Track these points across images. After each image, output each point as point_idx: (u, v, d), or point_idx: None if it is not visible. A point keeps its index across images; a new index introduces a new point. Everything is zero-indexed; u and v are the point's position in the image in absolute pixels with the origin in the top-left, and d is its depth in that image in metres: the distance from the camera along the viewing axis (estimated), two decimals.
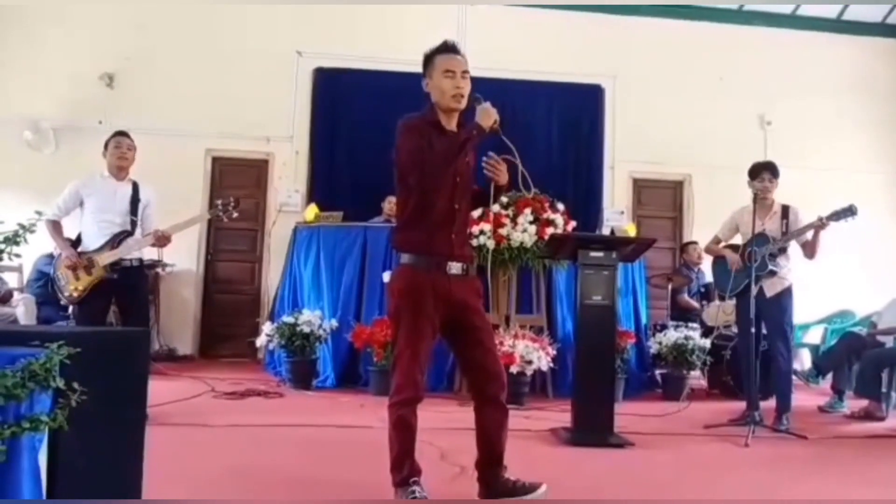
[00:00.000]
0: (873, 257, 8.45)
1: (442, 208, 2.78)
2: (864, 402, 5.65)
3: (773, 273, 4.86)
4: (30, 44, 8.10)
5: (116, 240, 4.51)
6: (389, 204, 7.66)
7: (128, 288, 4.55)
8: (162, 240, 4.56)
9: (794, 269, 4.99)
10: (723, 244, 5.22)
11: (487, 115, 2.79)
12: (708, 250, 5.38)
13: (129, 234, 4.56)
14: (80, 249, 4.52)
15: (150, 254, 6.17)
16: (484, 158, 2.88)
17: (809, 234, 4.83)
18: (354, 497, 2.94)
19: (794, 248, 5.00)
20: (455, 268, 2.79)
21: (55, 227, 4.53)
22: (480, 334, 2.84)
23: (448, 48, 2.92)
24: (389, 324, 2.85)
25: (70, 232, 4.66)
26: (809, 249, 4.87)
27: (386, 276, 2.91)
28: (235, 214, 4.95)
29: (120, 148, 4.62)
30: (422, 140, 2.75)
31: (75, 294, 4.44)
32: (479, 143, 2.83)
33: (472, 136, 2.77)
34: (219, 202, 4.96)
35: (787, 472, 3.75)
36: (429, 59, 2.93)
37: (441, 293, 2.74)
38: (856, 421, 5.38)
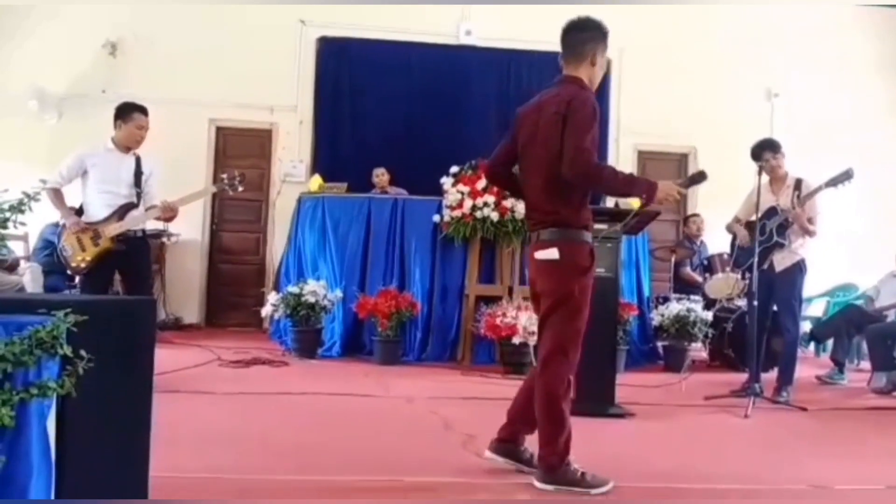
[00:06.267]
0: (880, 230, 8.41)
1: None
2: (864, 375, 5.68)
3: (780, 246, 4.85)
4: (33, 14, 8.03)
5: (122, 211, 4.51)
6: (378, 178, 7.64)
7: (132, 258, 4.56)
8: (168, 211, 4.56)
9: (807, 244, 4.96)
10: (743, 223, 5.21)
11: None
12: (728, 228, 5.36)
13: (135, 205, 4.57)
14: (84, 220, 4.52)
15: (155, 224, 6.18)
16: None
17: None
18: (362, 462, 2.99)
19: None
20: None
21: (57, 195, 4.50)
22: None
23: None
24: (562, 300, 2.77)
25: (70, 201, 4.64)
26: (804, 231, 4.84)
27: (552, 253, 2.83)
28: (241, 189, 4.98)
29: (142, 129, 4.59)
30: None
31: (83, 265, 4.45)
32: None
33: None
34: (224, 176, 4.97)
35: (785, 444, 3.80)
36: (606, 41, 2.91)
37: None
38: (883, 396, 5.26)
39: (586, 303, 2.78)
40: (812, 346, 6.22)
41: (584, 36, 2.85)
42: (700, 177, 3.05)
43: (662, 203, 2.84)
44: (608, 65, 3.00)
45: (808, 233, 4.86)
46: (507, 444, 2.91)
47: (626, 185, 2.86)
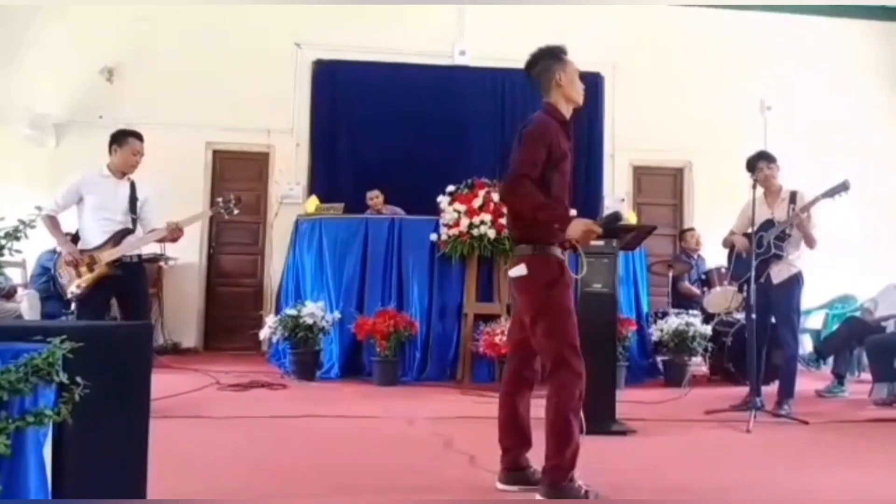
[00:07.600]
0: (876, 242, 8.44)
1: None
2: (865, 386, 5.66)
3: (778, 258, 4.86)
4: (30, 39, 8.10)
5: (118, 237, 4.52)
6: (372, 200, 7.67)
7: (128, 283, 4.56)
8: (175, 232, 4.56)
9: (803, 257, 4.96)
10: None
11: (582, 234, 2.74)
12: (724, 242, 5.36)
13: (131, 231, 4.58)
14: (80, 247, 4.53)
15: (152, 248, 6.18)
16: None
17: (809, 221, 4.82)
18: (362, 484, 2.96)
19: None
20: None
21: (52, 222, 4.51)
22: None
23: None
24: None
25: (66, 227, 4.65)
26: (806, 240, 4.87)
27: (521, 270, 2.90)
28: (236, 211, 4.99)
29: (138, 154, 4.61)
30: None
31: (78, 291, 4.45)
32: None
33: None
34: (220, 199, 4.99)
35: (788, 457, 3.77)
36: (562, 57, 2.95)
37: None
38: (884, 408, 5.24)
39: (568, 311, 2.78)
40: (822, 364, 6.19)
41: (538, 69, 2.94)
42: (615, 218, 3.05)
43: (580, 242, 2.76)
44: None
45: (810, 241, 4.85)
46: (513, 472, 2.91)
47: (538, 207, 2.72)
